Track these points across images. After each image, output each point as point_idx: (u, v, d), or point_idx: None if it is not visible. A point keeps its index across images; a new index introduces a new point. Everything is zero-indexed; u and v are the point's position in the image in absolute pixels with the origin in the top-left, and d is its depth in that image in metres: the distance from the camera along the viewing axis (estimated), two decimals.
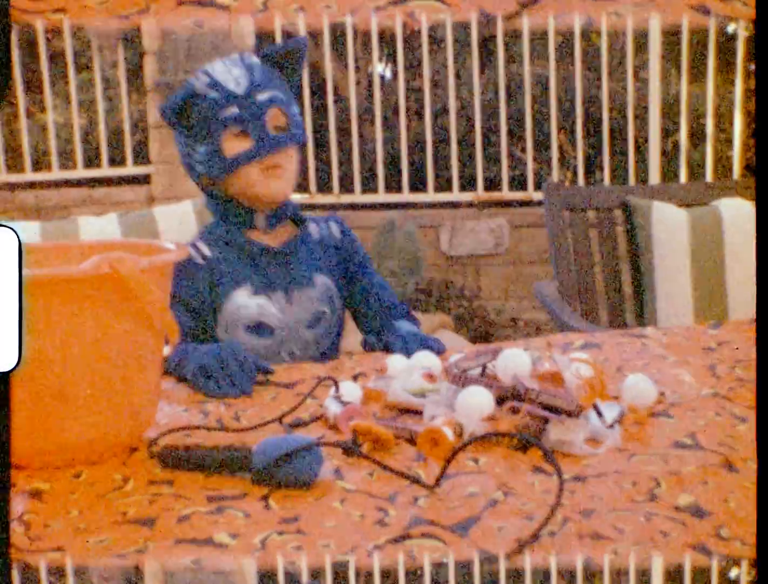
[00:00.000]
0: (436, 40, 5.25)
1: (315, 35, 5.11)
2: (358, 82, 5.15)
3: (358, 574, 0.81)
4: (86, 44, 5.22)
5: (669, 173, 4.99)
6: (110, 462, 1.04)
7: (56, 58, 4.94)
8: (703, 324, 1.69)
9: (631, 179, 4.89)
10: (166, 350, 1.28)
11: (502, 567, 0.80)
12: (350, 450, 1.02)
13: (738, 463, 0.98)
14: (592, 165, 5.36)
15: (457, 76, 4.99)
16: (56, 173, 4.90)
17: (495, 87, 5.01)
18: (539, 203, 4.19)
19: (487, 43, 5.10)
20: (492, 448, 1.04)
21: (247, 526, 0.87)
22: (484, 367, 1.23)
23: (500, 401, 1.13)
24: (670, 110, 5.05)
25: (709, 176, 4.84)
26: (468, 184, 4.98)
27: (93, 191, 4.88)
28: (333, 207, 4.83)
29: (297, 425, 1.16)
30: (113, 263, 0.99)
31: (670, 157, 5.12)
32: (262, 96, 1.55)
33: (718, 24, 4.65)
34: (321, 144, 5.07)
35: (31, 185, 4.90)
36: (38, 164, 5.01)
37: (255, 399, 1.29)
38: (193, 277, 1.59)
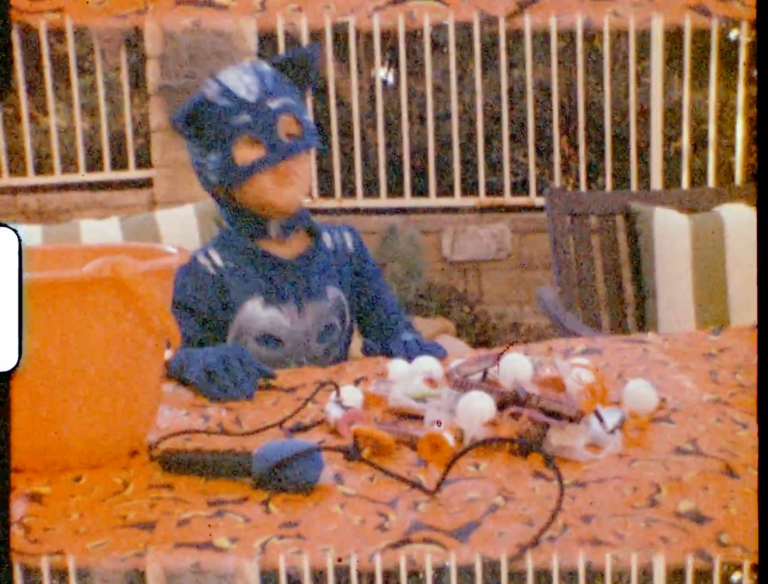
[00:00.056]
0: (438, 45, 5.26)
1: (317, 39, 5.12)
2: (360, 87, 5.15)
3: (359, 579, 0.81)
4: (89, 48, 5.24)
5: (671, 178, 4.99)
6: (110, 466, 1.04)
7: (59, 61, 4.95)
8: (705, 330, 1.69)
9: (633, 185, 4.89)
10: (168, 354, 1.28)
11: (503, 572, 0.80)
12: (351, 454, 1.02)
13: (739, 469, 0.98)
14: (594, 170, 5.37)
15: (460, 80, 4.99)
16: (58, 177, 4.91)
17: (497, 92, 5.02)
18: (541, 209, 4.18)
19: (488, 48, 5.10)
20: (493, 453, 1.04)
21: (247, 530, 0.87)
22: (485, 372, 1.23)
23: (501, 406, 1.12)
24: (672, 116, 5.06)
25: (711, 182, 4.84)
26: (470, 189, 4.98)
27: (95, 194, 4.89)
28: (335, 211, 4.83)
29: (298, 429, 1.16)
30: (115, 267, 0.99)
31: (672, 162, 5.12)
32: (274, 103, 1.54)
33: (720, 29, 4.66)
34: (323, 149, 5.06)
35: (34, 189, 4.90)
36: (40, 168, 5.02)
37: (256, 403, 1.29)
38: (204, 286, 1.58)
